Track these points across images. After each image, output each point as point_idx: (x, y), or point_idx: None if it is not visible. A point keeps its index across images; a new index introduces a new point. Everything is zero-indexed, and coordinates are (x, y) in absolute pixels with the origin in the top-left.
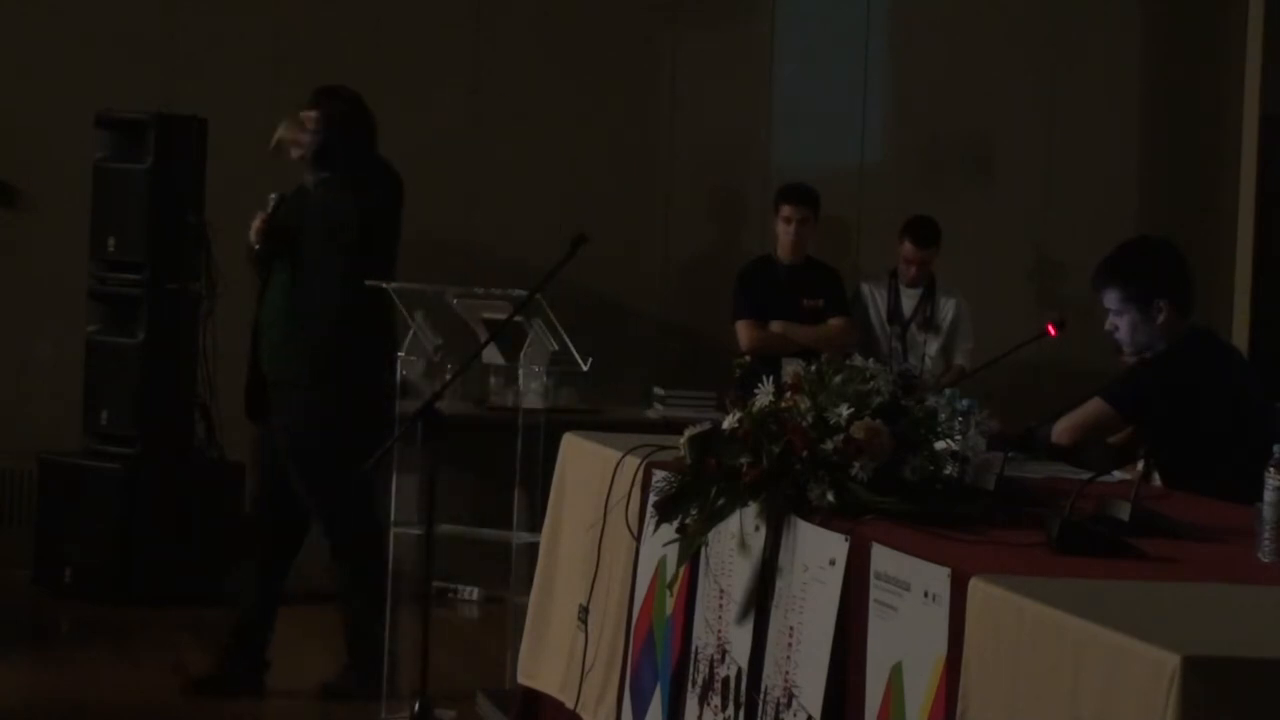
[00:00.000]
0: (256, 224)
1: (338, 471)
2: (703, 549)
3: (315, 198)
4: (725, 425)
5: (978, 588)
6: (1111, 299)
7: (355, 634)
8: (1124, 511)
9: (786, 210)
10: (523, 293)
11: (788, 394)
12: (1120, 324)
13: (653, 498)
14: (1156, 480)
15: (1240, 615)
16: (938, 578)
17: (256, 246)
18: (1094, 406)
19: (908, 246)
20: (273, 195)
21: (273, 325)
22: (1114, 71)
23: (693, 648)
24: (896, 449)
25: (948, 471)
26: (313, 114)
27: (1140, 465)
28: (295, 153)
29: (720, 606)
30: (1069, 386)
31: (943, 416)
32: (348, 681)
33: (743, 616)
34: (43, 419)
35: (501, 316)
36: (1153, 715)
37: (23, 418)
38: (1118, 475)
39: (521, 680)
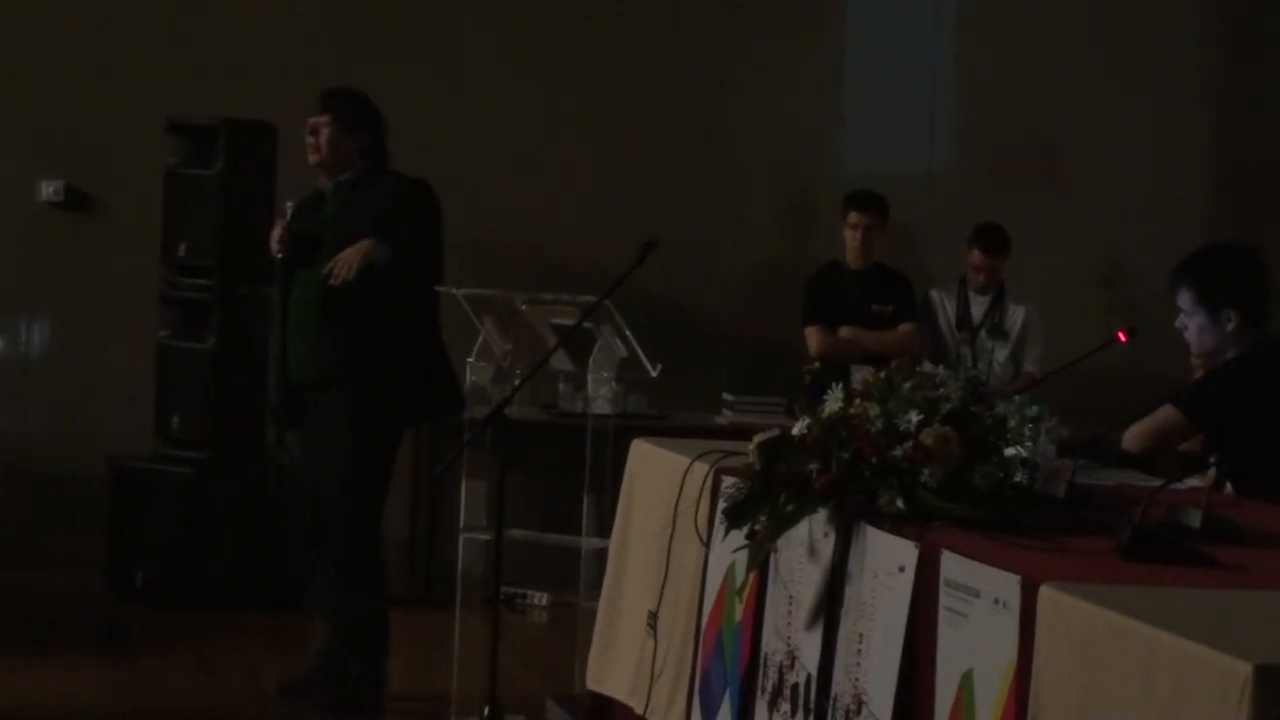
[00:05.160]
0: (276, 232)
1: (367, 474)
2: (772, 555)
3: (333, 203)
4: (795, 431)
5: (1048, 595)
6: (1184, 300)
7: (353, 645)
8: (1195, 519)
9: (854, 217)
10: (592, 298)
11: (857, 400)
12: (1190, 325)
13: (722, 504)
14: (1228, 488)
15: None
16: (1008, 585)
17: (279, 255)
18: (1165, 414)
19: (976, 254)
20: (289, 202)
21: (301, 331)
22: (1183, 74)
23: (762, 654)
24: (966, 455)
25: (1017, 478)
26: (324, 119)
27: (1211, 473)
28: (312, 158)
29: (789, 613)
30: (1139, 393)
31: (1012, 423)
32: (339, 697)
33: (812, 623)
34: (114, 423)
35: (570, 322)
36: None
37: (95, 422)
38: (1189, 483)
39: (590, 686)
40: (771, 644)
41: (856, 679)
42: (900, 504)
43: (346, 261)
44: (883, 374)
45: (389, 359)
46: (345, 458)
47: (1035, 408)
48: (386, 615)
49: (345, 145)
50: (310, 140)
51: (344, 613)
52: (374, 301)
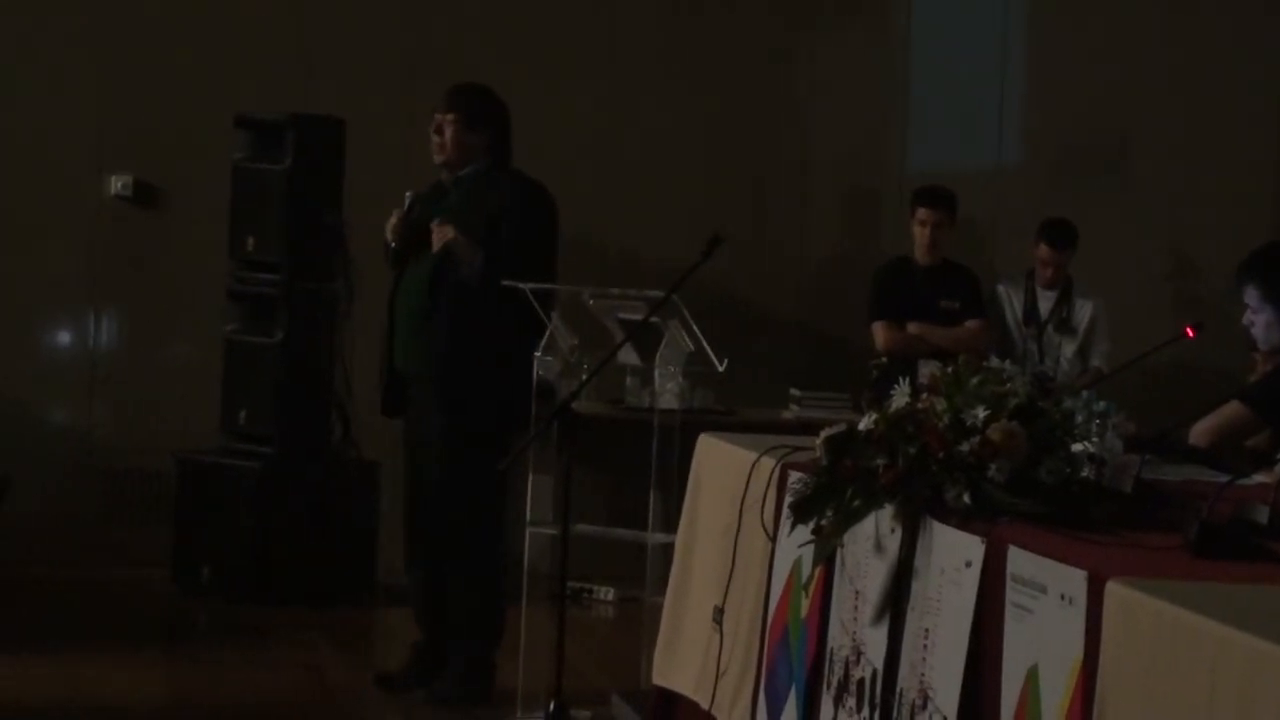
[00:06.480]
0: (392, 222)
1: (472, 467)
2: (838, 550)
3: (454, 196)
4: (861, 426)
5: (1114, 591)
6: (1251, 296)
7: (466, 637)
8: (1262, 515)
9: (922, 213)
10: (659, 293)
11: (924, 395)
12: (1256, 321)
13: (788, 499)
14: None
15: None
16: (1074, 581)
17: (393, 244)
18: (1232, 409)
19: (1043, 249)
20: (408, 193)
21: (407, 321)
22: (1252, 71)
23: (828, 649)
24: (1033, 451)
25: (1084, 474)
26: (449, 117)
27: (1279, 469)
28: (437, 157)
29: (855, 608)
30: (1207, 389)
31: (1079, 418)
32: (450, 687)
33: (878, 618)
34: (181, 418)
35: (637, 317)
36: None
37: (161, 417)
38: (1256, 478)
39: (656, 681)
40: (837, 639)
41: (922, 674)
42: (967, 499)
43: (442, 234)
44: (949, 369)
45: (487, 361)
46: (439, 454)
47: (1102, 403)
48: (500, 609)
49: (470, 142)
50: (436, 139)
51: (456, 605)
52: (480, 300)
